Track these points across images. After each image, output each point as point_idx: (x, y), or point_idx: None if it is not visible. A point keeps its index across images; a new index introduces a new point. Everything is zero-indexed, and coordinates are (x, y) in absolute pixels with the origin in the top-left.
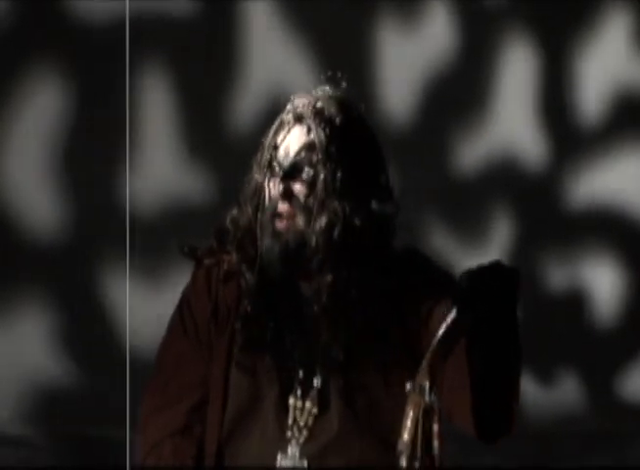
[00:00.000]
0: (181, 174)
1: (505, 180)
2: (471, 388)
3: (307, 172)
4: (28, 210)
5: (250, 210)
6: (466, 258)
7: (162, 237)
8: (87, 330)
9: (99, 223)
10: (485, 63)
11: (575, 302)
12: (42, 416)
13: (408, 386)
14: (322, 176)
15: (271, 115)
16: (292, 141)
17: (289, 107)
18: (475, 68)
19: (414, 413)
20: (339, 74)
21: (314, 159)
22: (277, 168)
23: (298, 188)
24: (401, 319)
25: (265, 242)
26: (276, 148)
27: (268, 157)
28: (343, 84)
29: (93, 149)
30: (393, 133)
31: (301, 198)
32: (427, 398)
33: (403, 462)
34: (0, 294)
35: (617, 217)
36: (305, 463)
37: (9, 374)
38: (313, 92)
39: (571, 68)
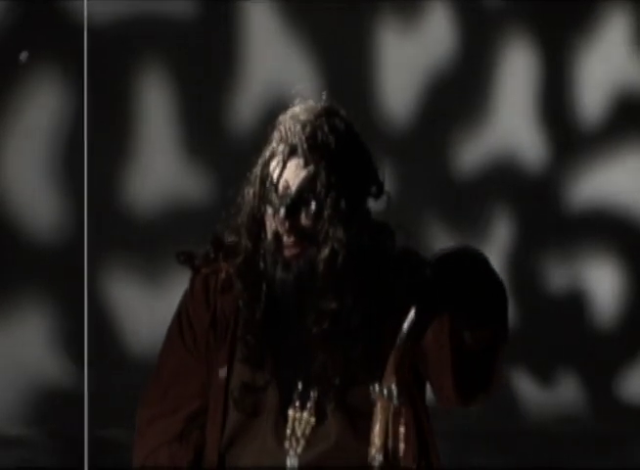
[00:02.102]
0: (181, 175)
1: (505, 181)
2: (451, 349)
3: (310, 206)
4: (28, 210)
5: (248, 238)
6: None
7: (162, 237)
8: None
9: (99, 224)
10: (485, 64)
11: (575, 302)
12: (42, 416)
13: (376, 389)
14: (325, 206)
15: (271, 116)
16: (289, 176)
17: (277, 135)
18: (475, 68)
19: (383, 418)
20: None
21: (316, 190)
22: (277, 204)
23: (302, 221)
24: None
25: (278, 275)
26: (272, 182)
27: (264, 190)
28: (323, 94)
29: (94, 148)
30: (393, 134)
31: (306, 230)
32: (395, 401)
33: (375, 467)
34: (0, 294)
35: (616, 218)
36: None
37: (9, 374)
38: (297, 110)
39: (571, 68)
